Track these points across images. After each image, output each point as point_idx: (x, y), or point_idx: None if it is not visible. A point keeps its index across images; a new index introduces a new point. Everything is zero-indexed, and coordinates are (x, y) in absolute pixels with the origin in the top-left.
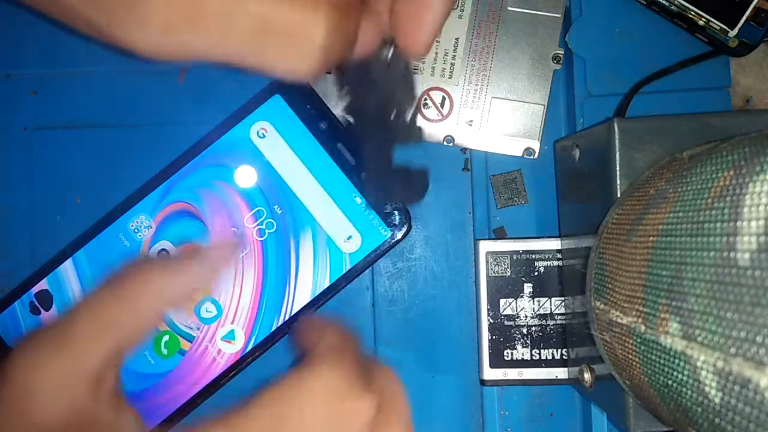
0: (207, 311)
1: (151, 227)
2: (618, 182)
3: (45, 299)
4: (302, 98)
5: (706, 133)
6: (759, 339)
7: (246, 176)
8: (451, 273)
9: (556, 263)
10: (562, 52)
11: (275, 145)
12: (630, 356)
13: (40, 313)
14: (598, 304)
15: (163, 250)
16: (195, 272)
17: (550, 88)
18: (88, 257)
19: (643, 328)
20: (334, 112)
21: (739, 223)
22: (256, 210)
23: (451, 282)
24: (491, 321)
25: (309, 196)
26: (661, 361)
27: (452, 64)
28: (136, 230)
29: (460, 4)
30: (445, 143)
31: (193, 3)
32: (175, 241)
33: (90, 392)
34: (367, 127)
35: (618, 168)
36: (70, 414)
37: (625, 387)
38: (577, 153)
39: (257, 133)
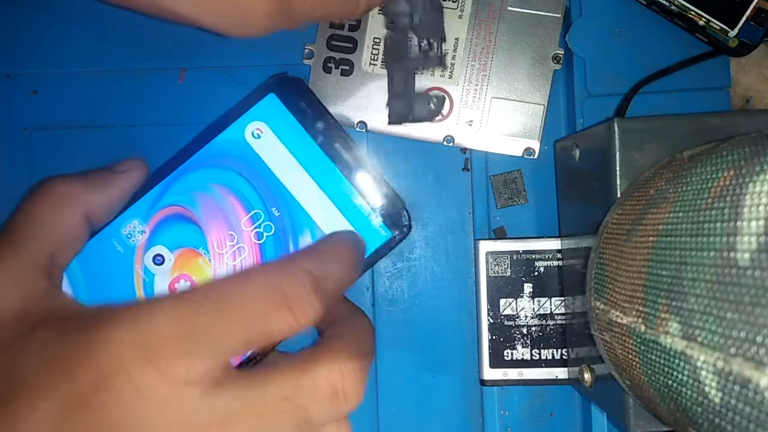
0: None
1: (145, 232)
2: (618, 182)
3: None
4: (298, 97)
5: (706, 133)
6: (759, 339)
7: (242, 178)
8: (451, 273)
9: (556, 263)
10: (562, 52)
11: (271, 145)
12: (630, 356)
13: None
14: (598, 304)
15: (158, 255)
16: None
17: (550, 88)
18: (80, 263)
19: (643, 328)
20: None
21: (739, 223)
22: (253, 213)
23: (451, 282)
24: (491, 321)
25: (307, 197)
26: (661, 361)
27: (452, 64)
28: (129, 235)
29: (460, 4)
30: (445, 143)
31: None
32: (170, 246)
33: (40, 285)
34: (397, 52)
35: (618, 168)
36: (27, 304)
37: (625, 387)
38: (577, 153)
39: (252, 133)
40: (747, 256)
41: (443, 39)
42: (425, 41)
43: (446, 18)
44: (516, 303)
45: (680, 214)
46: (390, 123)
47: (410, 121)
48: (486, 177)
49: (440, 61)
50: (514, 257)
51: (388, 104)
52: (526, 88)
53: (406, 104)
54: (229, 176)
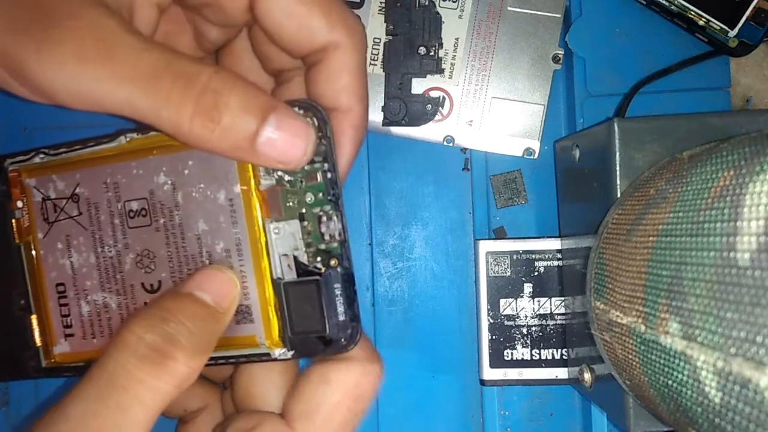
0: None
1: None
2: (618, 182)
3: None
4: None
5: (706, 133)
6: (759, 339)
7: None
8: (451, 273)
9: (556, 263)
10: (562, 52)
11: None
12: (630, 356)
13: None
14: (598, 304)
15: None
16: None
17: (550, 88)
18: None
19: (643, 328)
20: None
21: (739, 223)
22: None
23: (451, 282)
24: (491, 321)
25: None
26: (661, 361)
27: (452, 64)
28: None
29: (460, 4)
30: (445, 143)
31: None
32: None
33: None
34: (394, 55)
35: (618, 168)
36: None
37: (625, 387)
38: (577, 153)
39: None
40: (747, 256)
41: (440, 45)
42: (423, 46)
43: (446, 18)
44: (516, 303)
45: (680, 214)
46: (384, 125)
47: (405, 124)
48: (486, 177)
49: (437, 66)
50: (514, 257)
51: (384, 106)
52: (526, 88)
53: (402, 106)
54: None
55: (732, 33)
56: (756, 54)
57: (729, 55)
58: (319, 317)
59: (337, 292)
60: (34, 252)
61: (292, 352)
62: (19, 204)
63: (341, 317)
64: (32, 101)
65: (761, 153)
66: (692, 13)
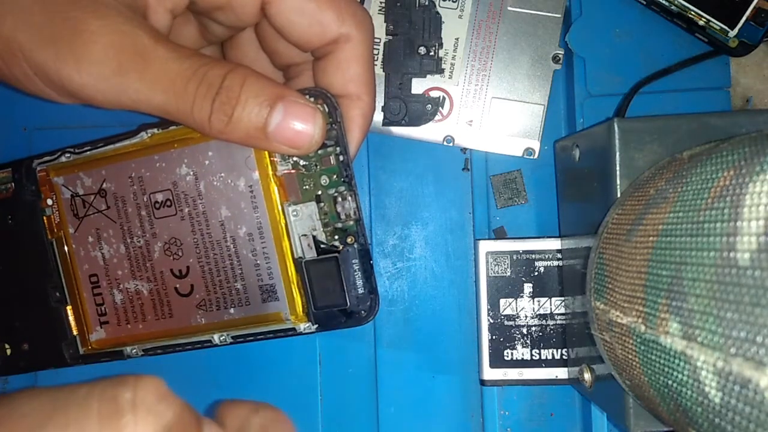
0: None
1: None
2: (618, 182)
3: None
4: None
5: (706, 133)
6: (759, 339)
7: None
8: (451, 273)
9: (556, 263)
10: (562, 52)
11: None
12: (630, 356)
13: None
14: (598, 304)
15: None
16: None
17: (550, 88)
18: None
19: (643, 328)
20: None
21: (739, 223)
22: None
23: (451, 282)
24: (491, 321)
25: None
26: (661, 361)
27: (452, 64)
28: None
29: (460, 4)
30: (445, 143)
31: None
32: None
33: None
34: (394, 55)
35: (618, 168)
36: None
37: (625, 387)
38: (577, 153)
39: None
40: (747, 256)
41: (440, 45)
42: (423, 46)
43: (446, 18)
44: (516, 303)
45: (680, 214)
46: (384, 125)
47: (405, 124)
48: (486, 177)
49: (437, 66)
50: (514, 257)
51: (384, 106)
52: (526, 88)
53: (402, 106)
54: None
55: (732, 33)
56: (756, 54)
57: (729, 55)
58: (339, 292)
59: (355, 267)
60: (66, 246)
61: (316, 326)
62: (49, 202)
63: (360, 290)
64: (45, 100)
65: (761, 153)
66: (692, 13)
